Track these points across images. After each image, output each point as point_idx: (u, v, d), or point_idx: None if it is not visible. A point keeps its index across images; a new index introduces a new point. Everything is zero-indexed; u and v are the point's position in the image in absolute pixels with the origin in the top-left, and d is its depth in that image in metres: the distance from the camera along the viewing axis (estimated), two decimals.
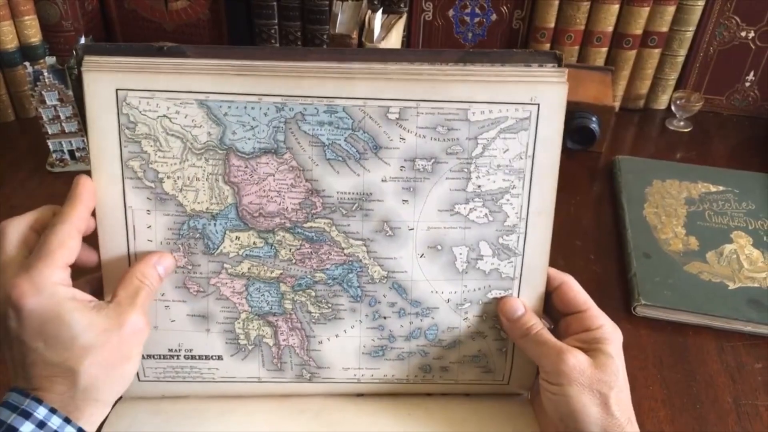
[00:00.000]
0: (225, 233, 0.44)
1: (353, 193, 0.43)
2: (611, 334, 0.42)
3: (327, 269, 0.45)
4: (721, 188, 0.76)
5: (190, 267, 0.44)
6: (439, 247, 0.44)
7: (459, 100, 0.41)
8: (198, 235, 0.44)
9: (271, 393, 0.48)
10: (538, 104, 0.41)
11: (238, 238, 0.44)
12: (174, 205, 0.43)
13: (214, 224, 0.43)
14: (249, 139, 0.42)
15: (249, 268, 0.45)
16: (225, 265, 0.45)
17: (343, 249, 0.44)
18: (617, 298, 0.63)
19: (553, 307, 0.46)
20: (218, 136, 0.42)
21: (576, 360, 0.40)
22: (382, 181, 0.43)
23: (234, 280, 0.45)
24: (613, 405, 0.39)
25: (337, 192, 0.43)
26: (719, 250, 0.67)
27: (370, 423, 0.47)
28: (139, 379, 0.47)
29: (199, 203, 0.43)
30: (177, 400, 0.48)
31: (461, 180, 0.43)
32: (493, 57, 0.41)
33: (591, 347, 0.41)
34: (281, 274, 0.45)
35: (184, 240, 0.44)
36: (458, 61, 0.41)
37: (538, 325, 0.44)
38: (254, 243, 0.44)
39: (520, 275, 0.45)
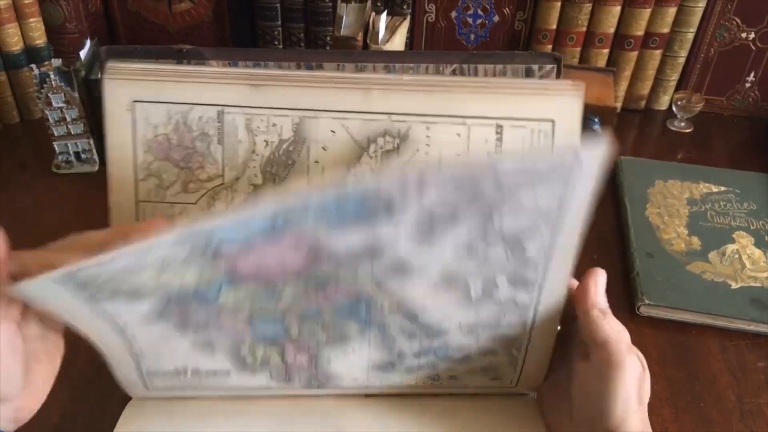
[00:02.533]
0: (220, 290, 0.39)
1: (364, 247, 0.40)
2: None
3: (335, 304, 0.42)
4: (722, 188, 0.77)
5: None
6: (454, 282, 0.41)
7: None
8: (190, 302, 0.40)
9: (280, 396, 0.48)
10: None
11: (236, 290, 0.40)
12: None
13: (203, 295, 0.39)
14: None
15: (251, 306, 0.41)
16: (224, 310, 0.41)
17: (351, 287, 0.41)
18: (620, 298, 0.63)
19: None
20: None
21: (638, 360, 0.40)
22: (395, 226, 0.40)
23: (237, 316, 0.42)
24: (645, 408, 0.40)
25: (347, 247, 0.39)
26: (721, 250, 0.67)
27: (377, 424, 0.47)
28: (147, 389, 0.47)
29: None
30: (188, 401, 0.48)
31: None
32: (496, 58, 0.42)
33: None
34: (287, 309, 0.42)
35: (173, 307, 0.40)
36: (462, 62, 0.42)
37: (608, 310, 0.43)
38: (255, 291, 0.40)
39: (537, 302, 0.43)
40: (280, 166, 0.41)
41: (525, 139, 0.40)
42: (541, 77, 0.44)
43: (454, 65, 0.42)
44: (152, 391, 0.47)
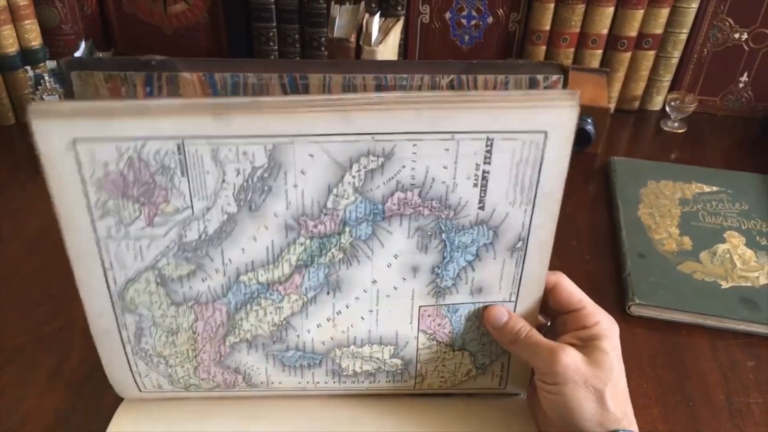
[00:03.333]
0: None
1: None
2: (607, 330, 0.43)
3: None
4: (714, 189, 0.77)
5: None
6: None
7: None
8: None
9: (274, 395, 0.49)
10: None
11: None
12: None
13: None
14: None
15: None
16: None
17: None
18: (612, 298, 0.63)
19: (548, 307, 0.47)
20: None
21: (569, 358, 0.41)
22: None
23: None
24: (609, 400, 0.40)
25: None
26: (712, 250, 0.67)
27: (366, 423, 0.48)
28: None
29: None
30: (180, 401, 0.49)
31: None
32: (498, 68, 0.39)
33: (586, 344, 0.42)
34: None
35: None
36: (460, 72, 0.39)
37: (525, 328, 0.44)
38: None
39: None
40: (256, 192, 0.39)
41: (515, 151, 0.38)
42: (546, 88, 0.40)
43: (452, 76, 0.39)
44: (144, 392, 0.47)
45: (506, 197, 0.40)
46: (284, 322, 0.44)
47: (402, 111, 0.37)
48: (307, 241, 0.41)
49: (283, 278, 0.42)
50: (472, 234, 0.41)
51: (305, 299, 0.43)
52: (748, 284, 0.63)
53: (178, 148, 0.37)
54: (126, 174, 0.37)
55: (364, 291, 0.43)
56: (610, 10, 0.91)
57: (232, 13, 0.99)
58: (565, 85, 0.39)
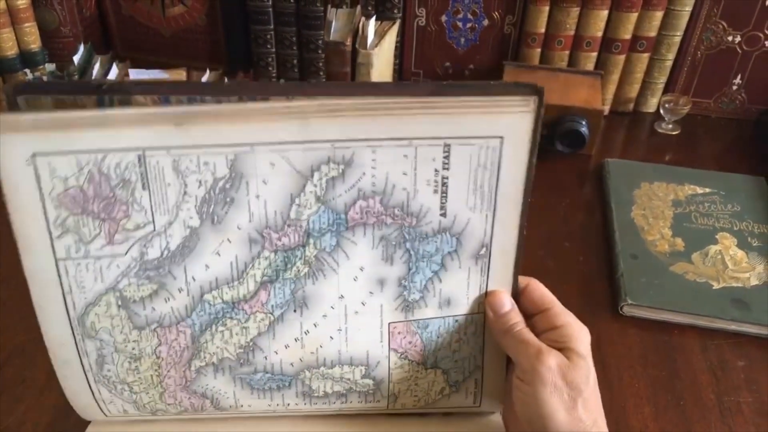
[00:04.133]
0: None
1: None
2: (579, 332, 0.42)
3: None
4: (707, 190, 0.78)
5: None
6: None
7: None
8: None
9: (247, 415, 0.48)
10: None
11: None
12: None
13: None
14: None
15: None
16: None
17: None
18: (605, 298, 0.64)
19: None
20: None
21: (554, 361, 0.40)
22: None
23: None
24: (580, 408, 0.40)
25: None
26: (704, 251, 0.68)
27: None
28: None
29: None
30: (149, 422, 0.48)
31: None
32: (470, 89, 0.37)
33: (562, 346, 0.42)
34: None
35: None
36: (431, 94, 0.37)
37: (521, 324, 0.43)
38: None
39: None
40: (218, 204, 0.38)
41: (473, 157, 0.38)
42: None
43: (423, 97, 0.37)
44: (110, 417, 0.46)
45: (467, 203, 0.40)
46: (251, 344, 0.43)
47: (359, 117, 0.36)
48: (272, 255, 0.40)
49: (249, 296, 0.42)
50: (435, 242, 0.41)
51: (272, 318, 0.42)
52: (739, 285, 0.64)
53: (139, 160, 0.36)
54: (86, 189, 0.37)
55: (332, 308, 0.43)
56: (605, 12, 0.91)
57: (230, 16, 0.99)
58: (540, 106, 0.38)
